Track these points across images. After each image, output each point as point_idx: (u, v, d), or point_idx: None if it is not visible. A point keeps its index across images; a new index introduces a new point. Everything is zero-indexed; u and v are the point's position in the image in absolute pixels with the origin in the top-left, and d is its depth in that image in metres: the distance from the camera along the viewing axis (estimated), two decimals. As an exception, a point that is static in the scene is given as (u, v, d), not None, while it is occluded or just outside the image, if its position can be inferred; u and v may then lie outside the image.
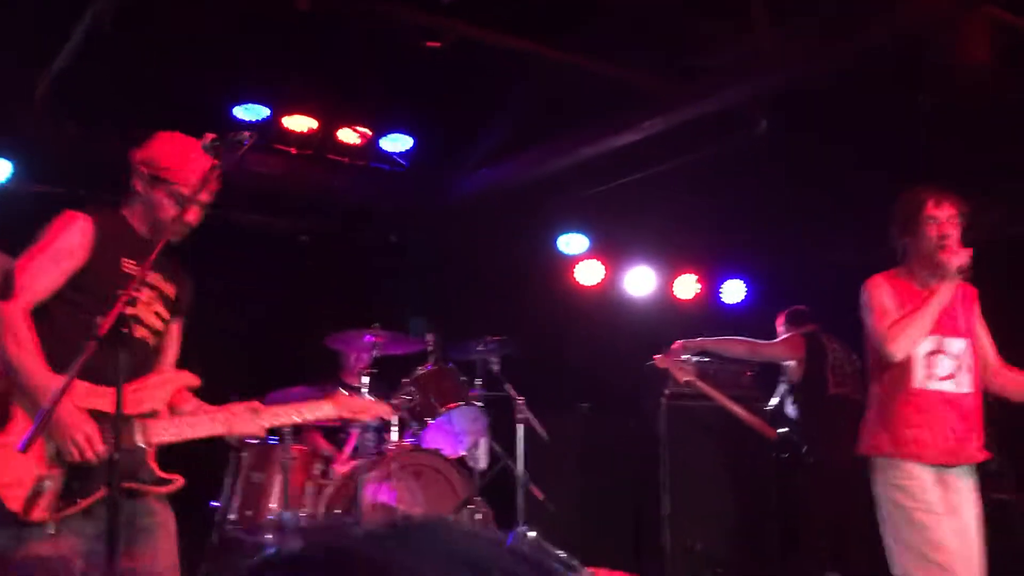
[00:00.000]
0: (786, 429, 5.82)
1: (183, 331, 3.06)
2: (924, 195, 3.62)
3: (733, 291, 8.21)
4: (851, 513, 5.43)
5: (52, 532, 2.48)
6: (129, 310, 2.66)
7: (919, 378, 3.59)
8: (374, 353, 5.64)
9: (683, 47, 5.07)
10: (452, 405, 5.50)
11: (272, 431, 5.45)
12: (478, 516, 5.31)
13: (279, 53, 5.51)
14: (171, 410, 2.83)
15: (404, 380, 5.61)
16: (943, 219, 3.59)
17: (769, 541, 6.16)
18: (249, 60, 5.61)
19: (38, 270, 2.65)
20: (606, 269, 7.86)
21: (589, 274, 7.80)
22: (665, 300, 8.06)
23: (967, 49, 4.00)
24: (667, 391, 6.28)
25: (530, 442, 5.99)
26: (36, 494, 2.37)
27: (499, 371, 6.02)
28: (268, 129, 6.26)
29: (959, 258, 3.52)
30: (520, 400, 5.97)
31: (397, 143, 6.71)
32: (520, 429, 5.94)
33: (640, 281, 7.96)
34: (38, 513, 2.39)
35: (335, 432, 6.08)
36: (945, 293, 3.53)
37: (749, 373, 6.49)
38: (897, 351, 3.52)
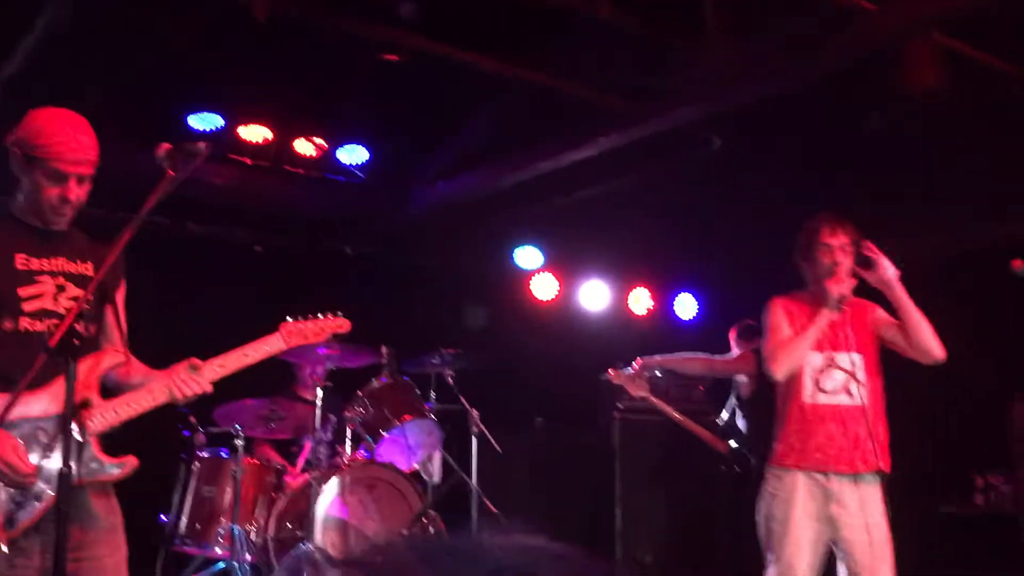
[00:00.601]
0: (736, 443, 5.90)
1: (123, 303, 2.93)
2: (820, 223, 3.80)
3: (685, 305, 8.31)
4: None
5: (5, 551, 2.43)
6: (32, 305, 2.59)
7: (807, 392, 3.77)
8: (328, 366, 5.61)
9: (641, 66, 5.13)
10: (406, 418, 5.48)
11: (224, 444, 5.41)
12: (431, 530, 5.30)
13: (234, 62, 5.47)
14: (116, 390, 2.73)
15: (358, 393, 5.59)
16: (836, 247, 3.76)
17: (719, 553, 6.23)
18: (204, 69, 5.56)
19: None
20: (560, 283, 7.91)
21: (544, 288, 7.85)
22: (619, 314, 8.13)
23: (916, 74, 4.11)
24: (620, 405, 6.33)
25: (484, 455, 6.00)
26: None
27: (454, 384, 6.03)
28: (223, 139, 6.21)
29: (840, 288, 3.69)
30: (474, 413, 5.97)
31: (353, 155, 6.70)
32: (474, 442, 5.95)
33: (594, 295, 8.02)
34: None
35: (287, 445, 6.03)
36: (823, 320, 3.70)
37: (701, 388, 6.57)
38: (778, 371, 3.72)
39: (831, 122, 5.14)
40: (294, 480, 5.48)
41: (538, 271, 7.87)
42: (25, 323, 2.59)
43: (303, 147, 6.52)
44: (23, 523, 2.46)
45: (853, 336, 3.80)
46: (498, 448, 5.97)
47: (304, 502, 5.09)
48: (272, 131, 6.35)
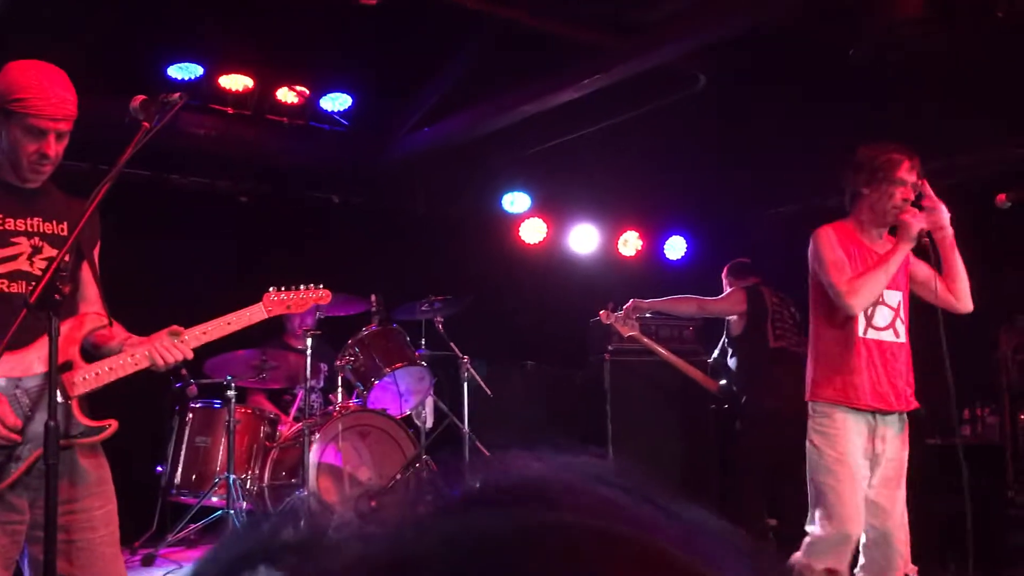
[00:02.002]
0: (726, 381, 5.94)
1: (98, 262, 2.87)
2: (901, 156, 3.64)
3: (675, 247, 8.32)
4: (789, 462, 5.59)
5: None
6: (7, 267, 2.56)
7: (861, 328, 3.69)
8: (318, 315, 5.62)
9: (620, 3, 5.06)
10: (397, 365, 5.51)
11: (217, 395, 5.44)
12: (424, 474, 5.36)
13: (213, 9, 5.38)
14: (94, 351, 2.72)
15: (349, 341, 5.61)
16: (911, 183, 3.64)
17: (710, 490, 6.30)
18: (182, 17, 5.47)
19: None
20: (549, 227, 7.90)
21: (533, 232, 7.84)
22: (609, 257, 8.13)
23: (899, 3, 4.06)
24: (611, 347, 6.36)
25: (475, 400, 6.04)
26: None
27: (444, 330, 6.05)
28: (203, 88, 6.13)
29: (920, 221, 3.58)
30: (465, 359, 6.01)
31: (336, 102, 6.63)
32: (465, 387, 5.99)
33: (584, 239, 8.01)
34: None
35: (280, 394, 6.07)
36: (903, 252, 3.60)
37: (691, 328, 6.59)
38: (856, 306, 3.60)
39: (817, 53, 5.08)
40: (287, 429, 5.53)
41: (526, 215, 7.85)
42: (2, 285, 2.56)
43: (285, 95, 6.44)
44: (7, 479, 2.48)
45: (898, 273, 3.73)
46: (489, 392, 6.01)
47: (298, 450, 5.14)
48: (253, 80, 6.27)
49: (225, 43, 5.92)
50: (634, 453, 6.17)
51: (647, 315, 6.00)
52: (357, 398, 5.61)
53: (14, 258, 2.59)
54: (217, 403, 5.43)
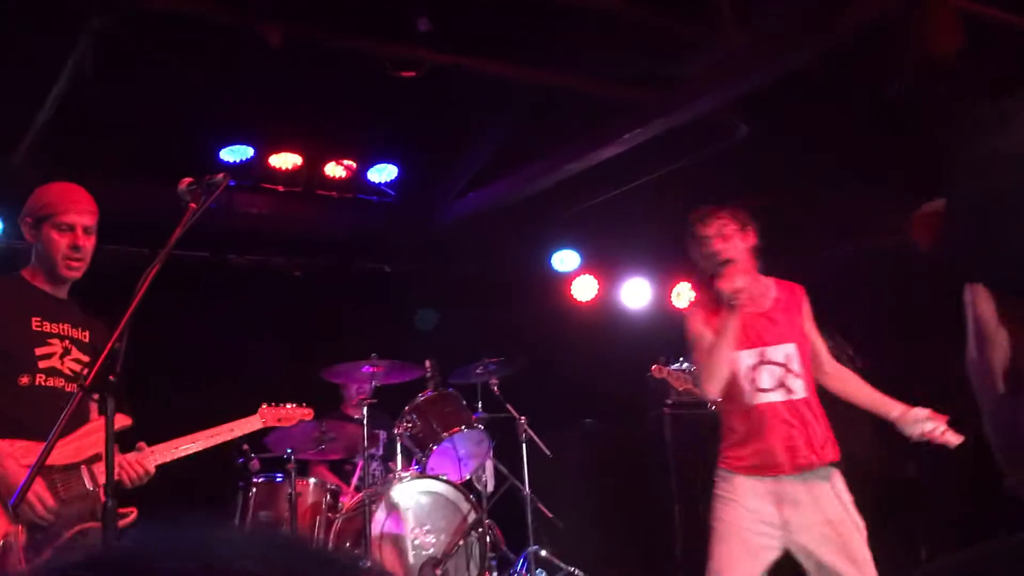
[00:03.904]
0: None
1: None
2: (696, 217, 3.64)
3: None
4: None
5: None
6: (45, 363, 2.87)
7: (747, 394, 3.54)
8: (373, 383, 5.66)
9: (657, 57, 5.11)
10: (455, 430, 5.51)
11: (278, 468, 5.48)
12: (488, 539, 5.31)
13: (260, 93, 5.56)
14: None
15: (405, 408, 5.63)
16: (712, 235, 3.57)
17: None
18: (231, 102, 5.66)
19: None
20: (600, 284, 7.89)
21: (584, 289, 7.84)
22: (663, 310, 8.07)
23: (934, 40, 4.03)
24: (669, 400, 6.29)
25: (535, 460, 6.00)
26: (5, 551, 2.47)
27: (500, 392, 6.04)
28: (254, 168, 6.32)
29: (730, 284, 3.49)
30: (522, 419, 5.99)
31: (383, 173, 6.76)
32: (524, 448, 5.96)
33: (636, 293, 7.98)
34: (10, 568, 2.49)
35: (341, 465, 6.09)
36: (730, 322, 3.47)
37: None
38: (709, 389, 3.53)
39: (853, 94, 5.06)
40: (349, 499, 5.53)
41: (577, 273, 7.86)
42: (39, 379, 2.86)
43: (333, 170, 6.61)
44: (47, 551, 2.63)
45: (784, 325, 3.60)
46: (548, 452, 5.97)
47: (360, 520, 5.13)
48: (302, 157, 6.44)
49: (273, 124, 6.11)
50: (698, 507, 6.05)
51: None
52: (417, 465, 5.60)
53: (50, 356, 2.91)
54: (279, 477, 5.47)
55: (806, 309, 3.74)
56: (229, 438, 3.32)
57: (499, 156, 6.40)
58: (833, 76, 4.95)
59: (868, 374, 5.64)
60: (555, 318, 7.66)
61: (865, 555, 3.41)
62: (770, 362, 3.55)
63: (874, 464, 5.43)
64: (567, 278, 7.85)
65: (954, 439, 3.54)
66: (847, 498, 3.51)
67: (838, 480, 3.53)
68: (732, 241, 3.58)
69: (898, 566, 5.72)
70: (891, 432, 5.58)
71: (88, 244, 2.99)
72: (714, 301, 3.62)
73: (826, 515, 3.43)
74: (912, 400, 5.94)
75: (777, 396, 3.51)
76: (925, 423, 3.55)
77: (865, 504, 5.41)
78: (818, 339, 3.73)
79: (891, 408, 3.65)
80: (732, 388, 3.54)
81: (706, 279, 3.71)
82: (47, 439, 2.66)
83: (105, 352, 2.33)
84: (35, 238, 2.98)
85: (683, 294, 8.16)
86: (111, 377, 2.30)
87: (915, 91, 4.45)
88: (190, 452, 3.11)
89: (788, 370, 3.55)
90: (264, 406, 3.71)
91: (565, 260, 7.89)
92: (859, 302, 6.70)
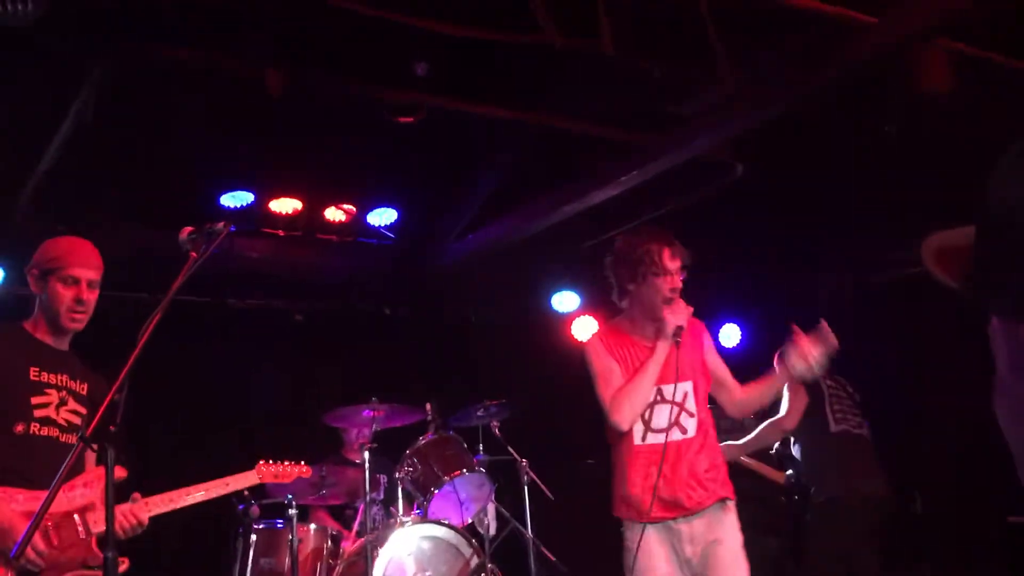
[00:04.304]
0: (792, 472, 5.80)
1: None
2: (659, 244, 3.47)
3: (730, 335, 8.23)
4: (859, 546, 5.40)
5: None
6: (40, 412, 2.92)
7: (638, 435, 3.44)
8: (374, 427, 5.64)
9: (653, 99, 5.17)
10: (456, 473, 5.48)
11: (279, 514, 5.44)
12: (491, 582, 5.26)
13: (260, 139, 5.61)
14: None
15: (406, 452, 5.61)
16: (674, 271, 3.46)
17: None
18: (230, 148, 5.71)
19: None
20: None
21: (584, 330, 7.83)
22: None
23: (925, 79, 4.09)
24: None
25: (538, 503, 5.96)
26: None
27: (501, 434, 6.02)
28: (255, 213, 6.36)
29: (677, 318, 3.40)
30: (524, 462, 5.96)
31: (383, 216, 6.80)
32: (526, 491, 5.92)
33: (636, 332, 7.97)
34: None
35: (342, 509, 6.06)
36: (661, 354, 3.38)
37: (752, 417, 6.47)
38: (623, 422, 3.40)
39: (847, 133, 5.11)
40: (350, 545, 5.49)
41: (577, 313, 7.87)
42: (34, 428, 2.91)
43: (333, 214, 6.64)
44: None
45: (683, 363, 3.47)
46: (550, 495, 5.94)
47: (362, 566, 5.09)
48: (302, 202, 6.48)
49: (273, 169, 6.16)
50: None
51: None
52: (418, 509, 5.57)
53: (46, 406, 2.96)
54: (279, 523, 5.43)
55: (707, 343, 3.66)
56: (224, 492, 3.35)
57: (498, 198, 6.44)
58: (827, 115, 5.00)
59: (867, 407, 5.67)
60: (556, 359, 7.65)
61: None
62: (666, 400, 3.44)
63: (879, 501, 5.41)
64: (567, 319, 7.85)
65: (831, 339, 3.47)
66: (738, 537, 3.44)
67: (731, 516, 3.46)
68: (681, 275, 3.51)
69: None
70: (898, 468, 5.58)
71: (92, 298, 3.07)
72: (619, 328, 3.56)
73: (715, 537, 3.39)
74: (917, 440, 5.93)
75: (672, 436, 3.40)
76: (801, 360, 3.46)
77: (873, 538, 5.40)
78: (723, 369, 3.66)
79: (777, 379, 3.61)
80: (614, 428, 3.46)
81: (632, 301, 3.54)
82: (41, 487, 2.71)
83: (106, 402, 2.33)
84: (40, 289, 3.06)
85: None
86: (111, 428, 2.31)
87: (907, 130, 4.51)
88: (185, 505, 3.14)
89: (683, 409, 3.45)
90: (261, 463, 3.75)
91: (564, 301, 7.90)
92: (858, 336, 6.71)
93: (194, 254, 2.61)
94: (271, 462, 3.82)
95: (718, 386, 3.62)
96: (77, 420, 3.03)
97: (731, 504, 3.44)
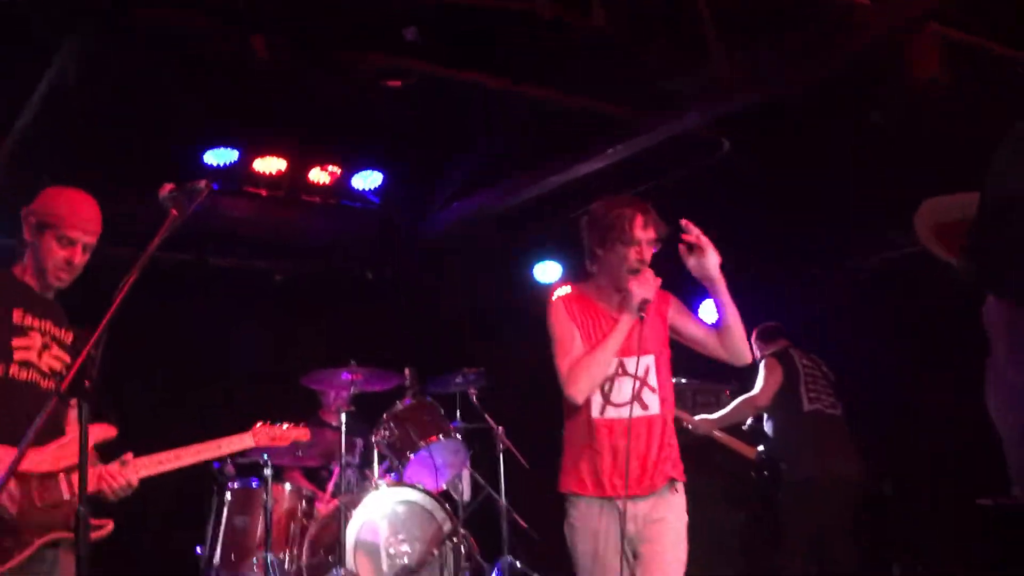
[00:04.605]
0: (763, 448, 5.86)
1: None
2: (632, 212, 3.26)
3: (708, 311, 8.27)
4: (834, 526, 5.48)
5: None
6: (21, 355, 2.88)
7: (596, 408, 3.26)
8: (352, 390, 5.65)
9: (643, 75, 5.15)
10: (432, 438, 5.51)
11: (254, 473, 5.46)
12: (463, 548, 5.31)
13: (245, 97, 5.56)
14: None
15: (383, 416, 5.63)
16: (645, 242, 3.27)
17: (757, 560, 6.17)
18: (216, 105, 5.65)
19: None
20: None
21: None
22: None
23: (917, 66, 4.09)
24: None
25: (512, 471, 6.01)
26: None
27: (478, 402, 6.05)
28: (238, 172, 6.31)
29: (644, 291, 3.19)
30: (500, 430, 6.00)
31: (368, 180, 6.77)
32: (501, 459, 5.97)
33: (617, 305, 8.00)
34: None
35: (317, 471, 6.08)
36: (624, 327, 3.19)
37: (727, 392, 6.53)
38: (578, 395, 3.21)
39: (838, 119, 5.12)
40: (324, 506, 5.52)
41: (558, 284, 7.86)
42: (13, 370, 2.86)
43: (318, 176, 6.60)
44: (9, 563, 2.64)
45: (646, 336, 3.28)
46: (525, 464, 5.98)
47: (335, 527, 5.13)
48: (287, 162, 6.43)
49: (258, 128, 6.10)
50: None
51: (682, 380, 5.97)
52: (393, 473, 5.60)
53: (28, 348, 2.91)
54: (255, 482, 5.45)
55: (673, 311, 3.45)
56: (217, 455, 3.29)
57: (484, 167, 6.42)
58: (817, 99, 4.99)
59: (842, 386, 5.73)
60: (536, 329, 7.67)
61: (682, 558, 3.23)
62: (627, 374, 3.25)
63: (853, 482, 5.48)
64: (549, 289, 7.85)
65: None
66: (683, 519, 3.30)
67: (679, 498, 3.30)
68: (653, 248, 3.31)
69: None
70: (870, 450, 5.65)
71: (83, 260, 3.02)
72: (585, 293, 3.38)
73: (659, 516, 3.23)
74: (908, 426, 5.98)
75: (626, 412, 3.21)
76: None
77: (844, 520, 5.48)
78: (699, 326, 3.47)
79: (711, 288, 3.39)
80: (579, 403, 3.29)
81: (599, 267, 3.35)
82: (19, 438, 2.66)
83: (82, 357, 2.32)
84: (34, 238, 2.99)
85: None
86: (87, 383, 2.30)
87: (898, 117, 4.51)
88: (176, 467, 3.09)
89: (644, 383, 3.27)
90: (258, 424, 3.62)
91: (547, 271, 7.91)
92: (837, 320, 6.77)
93: (174, 212, 2.59)
94: (268, 424, 3.69)
95: (703, 345, 3.42)
96: (59, 367, 2.98)
97: (680, 486, 3.31)
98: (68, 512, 2.72)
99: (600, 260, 3.34)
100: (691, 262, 3.31)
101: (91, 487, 2.78)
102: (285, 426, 3.76)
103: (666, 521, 3.23)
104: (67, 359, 2.99)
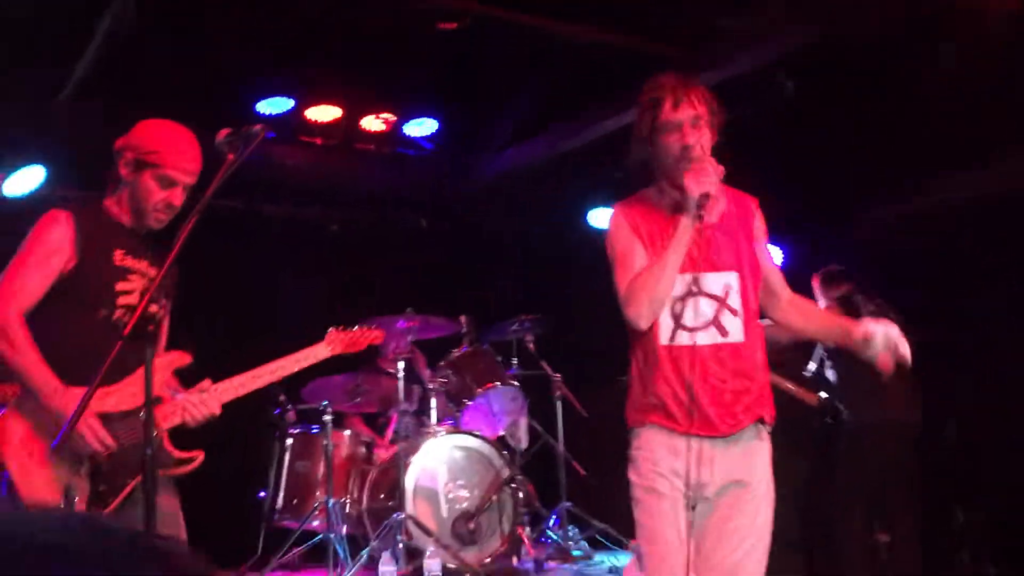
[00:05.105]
0: (826, 395, 5.77)
1: (172, 314, 3.02)
2: (659, 94, 2.74)
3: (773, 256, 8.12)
4: (896, 474, 5.40)
5: None
6: (124, 300, 2.74)
7: (665, 333, 2.74)
8: (409, 339, 5.68)
9: (700, 13, 5.00)
10: (489, 385, 5.53)
11: (314, 420, 5.52)
12: (521, 494, 5.34)
13: (299, 44, 5.53)
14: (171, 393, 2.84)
15: (440, 363, 5.65)
16: (686, 123, 2.71)
17: (817, 507, 6.12)
18: (270, 53, 5.63)
19: (25, 274, 2.67)
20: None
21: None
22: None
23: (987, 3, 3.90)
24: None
25: (570, 418, 6.01)
26: (69, 502, 2.42)
27: (535, 349, 6.04)
28: (292, 121, 6.31)
29: (700, 184, 2.63)
30: (557, 377, 5.99)
31: (422, 127, 6.72)
32: (559, 406, 5.96)
33: (673, 252, 7.89)
34: None
35: (375, 417, 6.15)
36: (684, 234, 2.66)
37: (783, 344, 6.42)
38: (638, 317, 2.70)
39: (906, 60, 4.92)
40: (384, 452, 5.59)
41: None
42: (118, 315, 2.73)
43: (371, 124, 6.57)
44: (109, 507, 2.59)
45: (728, 247, 2.79)
46: (582, 411, 5.97)
47: (394, 473, 5.19)
48: (341, 110, 6.41)
49: (312, 76, 6.07)
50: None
51: None
52: (450, 419, 5.64)
53: (130, 292, 2.78)
54: (315, 428, 5.53)
55: (759, 227, 2.91)
56: (295, 369, 3.04)
57: (539, 112, 6.32)
58: (884, 39, 4.80)
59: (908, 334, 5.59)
60: (591, 276, 7.61)
61: (765, 533, 2.76)
62: (704, 293, 2.75)
63: (911, 425, 5.38)
64: (603, 235, 7.77)
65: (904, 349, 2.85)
66: (769, 479, 2.82)
67: (765, 447, 2.83)
68: (703, 133, 2.74)
69: (934, 527, 5.70)
70: (929, 393, 5.54)
71: (181, 201, 2.83)
72: (649, 202, 2.85)
73: (743, 480, 2.74)
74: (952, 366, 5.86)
75: (706, 336, 2.73)
76: (876, 343, 2.82)
77: (903, 468, 5.39)
78: (772, 265, 2.95)
79: (853, 331, 2.87)
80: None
81: (655, 169, 2.84)
82: (114, 382, 2.61)
83: (144, 300, 2.31)
84: (131, 177, 2.79)
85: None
86: (150, 327, 2.30)
87: (966, 58, 4.31)
88: (256, 387, 2.91)
89: (724, 305, 2.76)
90: (332, 330, 3.31)
91: (601, 217, 7.82)
92: (901, 266, 6.60)
93: (231, 156, 2.56)
94: (341, 329, 3.38)
95: (764, 288, 2.88)
96: (157, 310, 2.81)
97: (766, 431, 2.84)
98: (157, 448, 2.58)
99: (654, 158, 2.82)
100: (712, 175, 2.68)
101: (174, 420, 2.73)
102: (357, 328, 3.46)
103: (749, 487, 2.74)
104: (163, 300, 2.86)
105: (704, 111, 2.73)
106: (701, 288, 2.74)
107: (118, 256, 2.79)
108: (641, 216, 2.83)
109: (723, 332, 2.74)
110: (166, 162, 2.77)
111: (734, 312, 2.76)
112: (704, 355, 2.71)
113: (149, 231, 2.87)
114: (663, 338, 2.73)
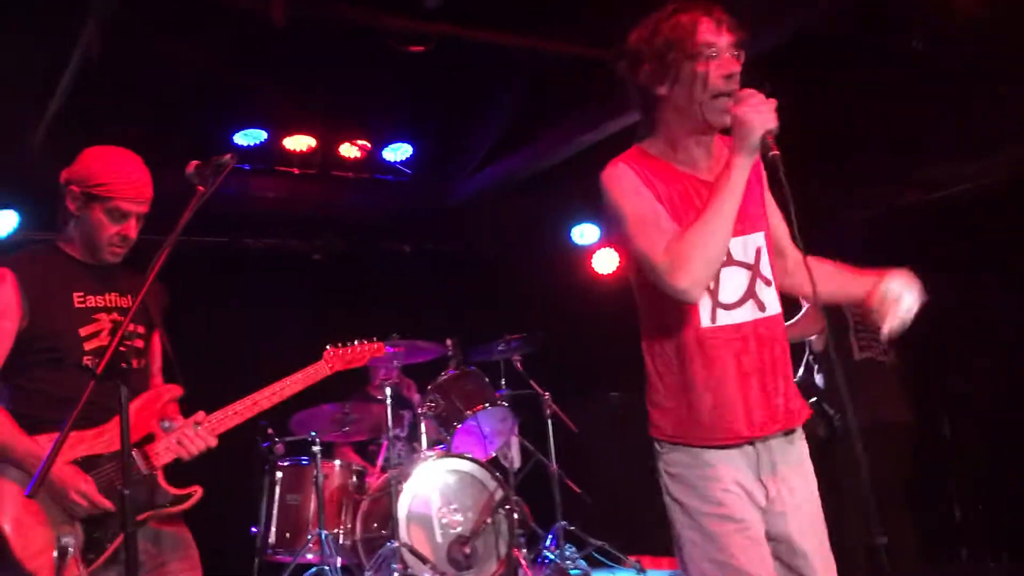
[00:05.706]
0: (816, 400, 5.75)
1: (167, 340, 2.88)
2: (693, 16, 2.17)
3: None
4: (890, 478, 5.37)
5: None
6: (92, 343, 2.61)
7: (706, 313, 2.21)
8: (396, 364, 5.64)
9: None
10: (478, 407, 5.48)
11: (303, 452, 5.46)
12: (516, 515, 5.29)
13: (271, 76, 5.52)
14: (163, 426, 2.72)
15: (428, 387, 5.61)
16: (725, 50, 2.18)
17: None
18: (242, 87, 5.62)
19: None
20: (622, 256, 7.81)
21: (605, 262, 7.76)
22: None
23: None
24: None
25: (561, 436, 5.97)
26: (62, 555, 2.32)
27: (523, 368, 6.01)
28: (269, 152, 6.29)
29: (761, 117, 2.10)
30: (546, 395, 5.95)
31: (398, 152, 6.72)
32: (550, 424, 5.93)
33: (657, 264, 7.90)
34: (70, 572, 2.35)
35: (366, 445, 6.09)
36: (743, 170, 2.12)
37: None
38: (692, 287, 2.11)
39: (875, 48, 4.92)
40: (375, 479, 5.53)
41: (597, 246, 7.79)
42: (88, 361, 2.60)
43: (348, 151, 6.57)
44: (103, 556, 2.51)
45: (750, 204, 2.26)
46: (573, 427, 5.94)
47: (387, 501, 5.13)
48: (316, 139, 6.40)
49: (286, 107, 6.07)
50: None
51: None
52: (441, 444, 5.59)
53: (97, 334, 2.64)
54: (305, 459, 5.47)
55: (765, 180, 2.41)
56: (293, 391, 2.91)
57: (514, 130, 6.32)
58: (853, 31, 4.82)
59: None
60: (576, 292, 7.60)
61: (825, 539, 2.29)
62: (734, 262, 2.24)
63: (905, 427, 5.37)
64: (587, 251, 7.78)
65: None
66: (815, 482, 2.34)
67: (806, 448, 2.34)
68: (741, 62, 2.22)
69: (933, 526, 5.68)
70: (922, 392, 5.52)
71: (136, 232, 2.68)
72: (653, 157, 2.29)
73: (810, 489, 2.28)
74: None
75: (745, 313, 2.22)
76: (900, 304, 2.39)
77: (899, 466, 5.37)
78: (778, 219, 2.43)
79: (863, 284, 2.44)
80: (674, 307, 2.20)
81: (667, 113, 2.25)
82: (98, 424, 2.52)
83: (117, 338, 2.24)
84: (79, 211, 2.63)
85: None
86: (122, 364, 2.24)
87: (937, 45, 4.33)
88: (254, 413, 2.79)
89: (758, 274, 2.25)
90: (329, 349, 3.21)
91: (585, 233, 7.82)
92: (892, 259, 6.59)
93: (200, 188, 2.50)
94: (339, 346, 3.28)
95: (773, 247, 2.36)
96: (140, 343, 2.72)
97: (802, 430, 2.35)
98: (152, 487, 2.56)
99: (666, 103, 2.23)
100: (768, 107, 2.16)
101: (168, 456, 2.64)
102: (356, 344, 3.38)
103: (800, 491, 2.26)
104: (142, 329, 2.74)
105: (736, 40, 2.21)
106: (732, 256, 2.23)
107: (77, 299, 2.65)
108: (653, 171, 2.25)
109: (761, 307, 2.23)
110: (115, 193, 2.61)
111: (767, 282, 2.26)
112: (749, 335, 2.21)
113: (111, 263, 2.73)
114: (704, 319, 2.20)
